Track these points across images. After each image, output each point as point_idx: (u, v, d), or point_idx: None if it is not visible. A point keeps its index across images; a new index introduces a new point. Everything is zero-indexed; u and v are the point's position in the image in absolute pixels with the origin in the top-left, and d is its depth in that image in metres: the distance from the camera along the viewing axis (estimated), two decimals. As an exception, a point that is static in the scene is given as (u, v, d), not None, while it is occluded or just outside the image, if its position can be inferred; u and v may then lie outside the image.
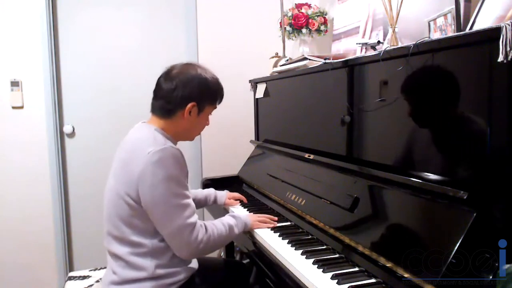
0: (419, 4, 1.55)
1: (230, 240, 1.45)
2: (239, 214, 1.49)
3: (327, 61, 1.59)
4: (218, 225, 1.35)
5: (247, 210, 1.79)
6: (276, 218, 1.57)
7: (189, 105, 1.31)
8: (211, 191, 1.86)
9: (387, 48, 1.23)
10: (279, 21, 2.41)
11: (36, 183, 2.54)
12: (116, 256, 1.30)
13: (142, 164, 1.21)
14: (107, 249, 1.35)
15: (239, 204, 1.88)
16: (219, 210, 1.92)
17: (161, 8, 2.74)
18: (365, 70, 1.39)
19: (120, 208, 1.26)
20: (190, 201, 1.28)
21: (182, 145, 1.44)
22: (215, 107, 1.41)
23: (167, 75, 1.34)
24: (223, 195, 1.87)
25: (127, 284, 1.28)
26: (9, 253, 2.53)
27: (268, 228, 1.51)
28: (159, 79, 1.37)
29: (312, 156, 1.66)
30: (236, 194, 1.91)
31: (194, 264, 1.41)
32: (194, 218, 1.26)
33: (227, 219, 1.42)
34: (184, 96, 1.30)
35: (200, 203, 1.82)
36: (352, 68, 1.44)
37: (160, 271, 1.27)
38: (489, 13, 1.13)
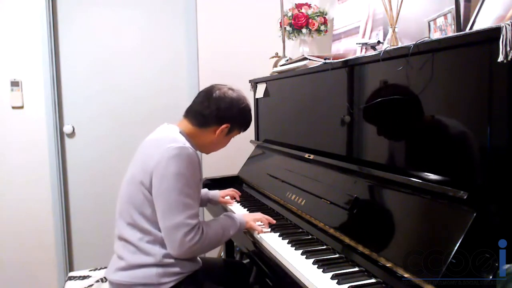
0: (419, 4, 1.55)
1: (225, 241, 1.45)
2: (234, 214, 1.48)
3: (327, 61, 1.60)
4: (213, 227, 1.35)
5: (247, 210, 1.79)
6: (273, 221, 1.53)
7: (224, 126, 1.41)
8: (202, 193, 1.83)
9: (387, 48, 1.23)
10: (279, 21, 2.41)
11: (36, 183, 2.54)
12: (126, 241, 1.33)
13: (160, 155, 1.27)
14: (117, 236, 1.37)
15: (235, 201, 1.89)
16: (218, 208, 1.92)
17: (161, 8, 2.74)
18: (365, 70, 1.39)
19: (134, 195, 1.31)
20: (195, 203, 1.29)
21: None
22: (239, 133, 1.51)
23: (211, 93, 1.42)
24: (216, 196, 1.89)
25: (133, 269, 1.30)
26: (9, 253, 2.53)
27: (262, 228, 1.49)
28: (201, 92, 1.47)
29: (312, 156, 1.66)
30: (229, 191, 1.92)
31: (199, 260, 1.43)
32: (195, 220, 1.27)
33: (223, 220, 1.42)
34: (224, 117, 1.41)
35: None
36: (352, 68, 1.44)
37: (167, 260, 1.29)
38: (489, 13, 1.13)
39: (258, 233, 1.47)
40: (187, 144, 1.31)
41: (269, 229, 1.50)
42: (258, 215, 1.55)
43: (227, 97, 1.42)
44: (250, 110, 1.49)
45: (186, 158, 1.27)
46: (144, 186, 1.29)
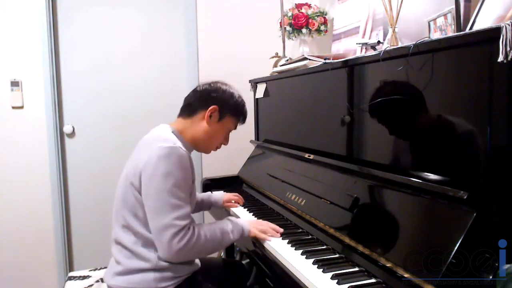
0: (419, 4, 1.55)
1: (225, 246, 1.41)
2: (237, 220, 1.42)
3: (327, 61, 1.60)
4: (211, 231, 1.31)
5: (247, 211, 1.78)
6: (281, 230, 1.43)
7: (211, 107, 1.38)
8: (205, 196, 1.83)
9: (387, 48, 1.23)
10: (279, 21, 2.41)
11: (36, 183, 2.54)
12: (121, 245, 1.32)
13: (149, 155, 1.25)
14: (114, 239, 1.36)
15: (239, 205, 1.88)
16: (221, 211, 1.92)
17: (161, 8, 2.74)
18: (365, 70, 1.39)
19: (127, 197, 1.30)
20: (185, 204, 1.25)
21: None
22: (236, 124, 1.47)
23: (198, 86, 1.46)
24: (219, 199, 1.83)
25: (131, 274, 1.29)
26: (9, 253, 2.53)
27: (269, 237, 1.40)
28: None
29: (312, 156, 1.66)
30: (232, 196, 1.88)
31: (197, 262, 1.42)
32: (184, 221, 1.23)
33: (223, 224, 1.37)
34: (208, 98, 1.40)
35: (197, 206, 1.79)
36: (352, 68, 1.44)
37: (163, 264, 1.28)
38: (489, 13, 1.13)
39: (264, 241, 1.39)
40: (178, 144, 1.28)
41: (280, 237, 1.40)
42: (264, 224, 1.45)
43: (213, 86, 1.43)
44: (240, 98, 1.47)
45: (176, 158, 1.24)
46: (134, 187, 1.27)
